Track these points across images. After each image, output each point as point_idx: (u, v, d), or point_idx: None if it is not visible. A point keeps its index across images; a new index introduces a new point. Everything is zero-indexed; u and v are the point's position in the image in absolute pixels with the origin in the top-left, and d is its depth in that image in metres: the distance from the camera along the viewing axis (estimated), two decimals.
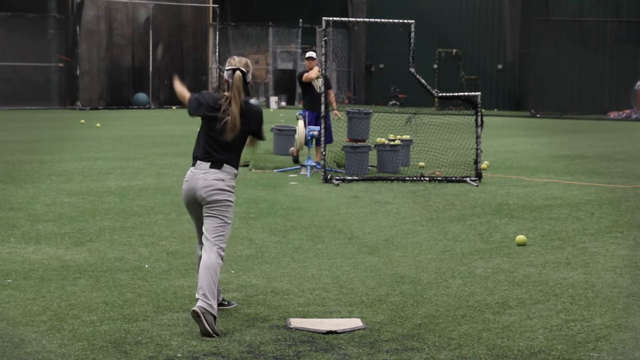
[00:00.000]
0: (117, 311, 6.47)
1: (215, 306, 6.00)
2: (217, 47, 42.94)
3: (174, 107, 38.75)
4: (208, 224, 6.21)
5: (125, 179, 14.25)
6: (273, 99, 42.40)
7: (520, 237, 9.30)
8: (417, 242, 9.33)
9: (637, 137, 26.51)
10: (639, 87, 35.90)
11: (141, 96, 39.78)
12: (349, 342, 5.84)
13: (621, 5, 39.83)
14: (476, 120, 14.74)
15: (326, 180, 14.31)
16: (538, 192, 13.36)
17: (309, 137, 15.53)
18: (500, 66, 43.24)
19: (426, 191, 13.38)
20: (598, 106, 38.15)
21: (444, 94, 15.69)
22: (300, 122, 15.48)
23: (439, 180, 14.48)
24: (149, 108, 39.39)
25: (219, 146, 6.25)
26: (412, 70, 14.69)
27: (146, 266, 7.99)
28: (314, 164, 15.51)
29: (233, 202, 6.28)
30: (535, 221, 10.73)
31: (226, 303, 6.63)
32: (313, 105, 15.60)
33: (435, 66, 40.71)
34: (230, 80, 6.29)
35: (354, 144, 15.59)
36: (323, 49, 14.92)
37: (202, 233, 6.29)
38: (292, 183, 14.20)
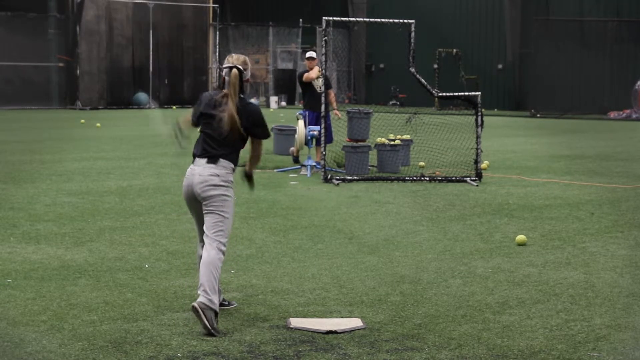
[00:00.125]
0: (117, 311, 6.47)
1: (217, 301, 5.99)
2: (217, 47, 42.93)
3: (174, 107, 38.75)
4: (207, 221, 6.23)
5: (126, 178, 14.26)
6: (273, 99, 42.40)
7: (521, 237, 9.30)
8: (417, 242, 9.33)
9: (637, 137, 26.51)
10: (639, 87, 35.89)
11: (141, 96, 39.75)
12: (349, 342, 5.84)
13: (621, 5, 39.84)
14: (476, 120, 14.74)
15: (326, 180, 14.31)
16: (538, 192, 13.36)
17: (309, 137, 15.53)
18: (500, 66, 43.25)
19: (426, 191, 13.38)
20: (598, 106, 38.14)
21: (444, 94, 15.69)
22: (301, 122, 15.48)
23: (439, 180, 14.48)
24: (149, 108, 39.37)
25: (216, 142, 6.27)
26: (412, 70, 14.69)
27: (146, 266, 7.99)
28: (314, 163, 15.51)
29: (231, 197, 6.27)
30: (536, 221, 10.73)
31: (226, 303, 6.63)
32: (313, 105, 15.59)
33: (436, 66, 40.69)
34: (227, 78, 6.30)
35: (354, 144, 15.58)
36: (323, 49, 14.92)
37: (203, 232, 6.30)
38: (292, 183, 14.20)
